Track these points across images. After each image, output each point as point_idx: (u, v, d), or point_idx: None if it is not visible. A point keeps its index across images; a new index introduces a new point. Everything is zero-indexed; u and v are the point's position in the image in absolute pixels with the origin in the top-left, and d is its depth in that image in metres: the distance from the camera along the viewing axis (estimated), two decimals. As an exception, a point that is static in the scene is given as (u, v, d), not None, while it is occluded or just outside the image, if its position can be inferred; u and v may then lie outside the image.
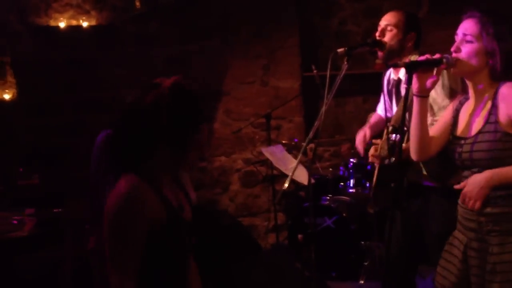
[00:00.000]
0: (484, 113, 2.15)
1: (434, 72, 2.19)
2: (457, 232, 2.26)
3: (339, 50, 2.73)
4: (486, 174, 2.09)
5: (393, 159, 2.61)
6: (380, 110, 3.34)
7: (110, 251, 1.67)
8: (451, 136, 2.26)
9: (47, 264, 3.20)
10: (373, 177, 3.09)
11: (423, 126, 2.27)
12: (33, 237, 3.20)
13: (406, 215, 2.84)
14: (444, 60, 2.16)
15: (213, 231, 4.43)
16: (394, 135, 2.09)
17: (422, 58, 2.19)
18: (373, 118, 3.34)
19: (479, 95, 2.20)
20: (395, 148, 2.09)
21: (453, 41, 2.22)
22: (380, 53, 2.90)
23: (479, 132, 2.13)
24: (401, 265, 2.97)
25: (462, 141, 2.18)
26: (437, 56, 2.17)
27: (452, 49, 2.18)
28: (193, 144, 1.77)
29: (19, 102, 5.09)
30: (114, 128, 1.81)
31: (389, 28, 2.87)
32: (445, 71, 2.62)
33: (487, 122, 2.12)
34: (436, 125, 2.38)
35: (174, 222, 1.76)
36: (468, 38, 2.14)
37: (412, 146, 2.32)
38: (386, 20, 2.91)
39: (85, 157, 2.17)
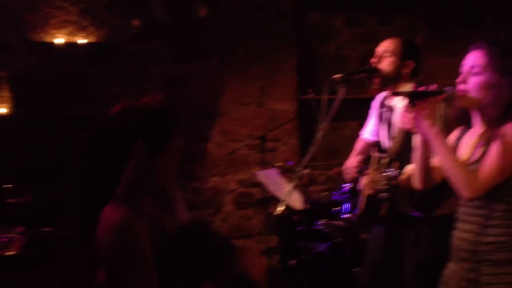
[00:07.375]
0: (483, 146, 2.11)
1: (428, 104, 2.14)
2: (452, 263, 2.20)
3: (335, 76, 2.73)
4: None
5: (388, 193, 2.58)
6: (367, 133, 3.26)
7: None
8: None
9: (36, 283, 3.15)
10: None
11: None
12: (22, 256, 3.16)
13: (390, 244, 2.83)
14: (450, 92, 2.10)
15: (205, 253, 4.37)
16: (392, 169, 2.07)
17: (421, 88, 2.13)
18: (359, 145, 3.26)
19: (482, 128, 2.13)
20: (395, 184, 2.07)
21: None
22: (376, 79, 2.90)
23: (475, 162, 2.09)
24: None
25: None
26: (434, 87, 2.14)
27: (458, 80, 2.12)
28: (165, 160, 1.68)
29: (14, 117, 5.06)
30: (84, 159, 1.72)
31: (386, 54, 2.88)
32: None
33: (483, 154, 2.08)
34: None
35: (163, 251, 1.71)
36: (476, 70, 2.07)
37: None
38: (384, 47, 2.91)
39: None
